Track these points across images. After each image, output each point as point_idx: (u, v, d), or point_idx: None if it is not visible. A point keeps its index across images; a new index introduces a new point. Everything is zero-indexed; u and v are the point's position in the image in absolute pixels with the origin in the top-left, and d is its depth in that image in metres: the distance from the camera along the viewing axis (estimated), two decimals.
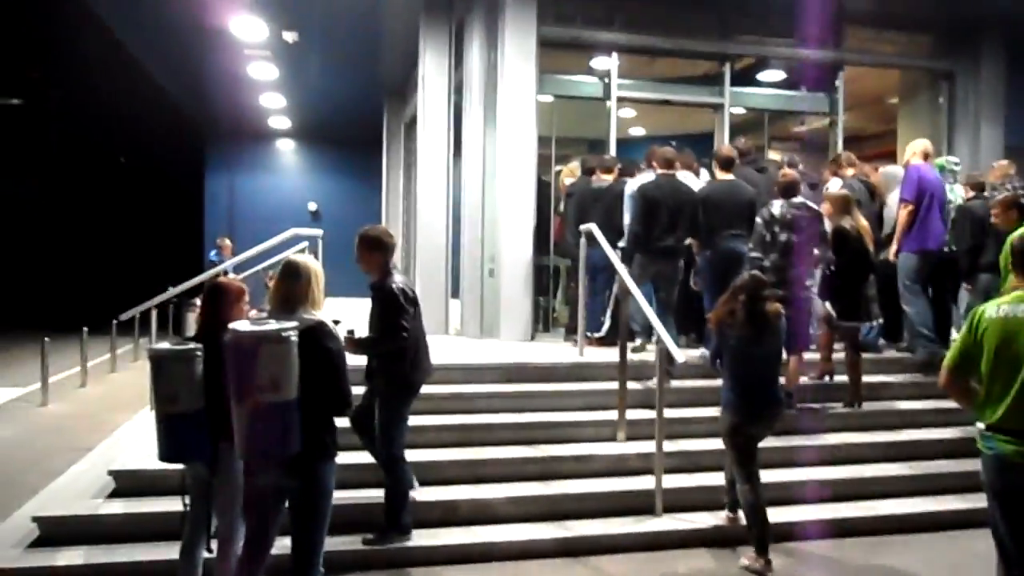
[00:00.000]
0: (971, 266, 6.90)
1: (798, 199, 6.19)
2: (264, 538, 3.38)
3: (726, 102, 9.07)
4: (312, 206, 18.43)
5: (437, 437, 5.61)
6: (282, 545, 3.43)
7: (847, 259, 6.29)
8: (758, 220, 6.18)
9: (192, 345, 3.56)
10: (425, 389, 5.88)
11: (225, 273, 8.24)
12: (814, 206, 6.29)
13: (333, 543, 3.55)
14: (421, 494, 4.98)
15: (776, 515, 5.16)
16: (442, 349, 6.76)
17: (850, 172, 7.54)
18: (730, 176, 6.96)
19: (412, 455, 5.29)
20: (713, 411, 5.97)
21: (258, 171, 18.55)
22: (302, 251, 8.19)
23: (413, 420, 5.61)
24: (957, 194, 7.46)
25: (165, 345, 3.61)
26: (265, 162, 18.68)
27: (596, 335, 7.39)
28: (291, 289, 3.42)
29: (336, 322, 3.48)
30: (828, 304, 6.40)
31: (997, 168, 7.30)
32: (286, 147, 18.89)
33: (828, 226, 6.31)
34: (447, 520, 4.93)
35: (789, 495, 5.43)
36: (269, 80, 12.67)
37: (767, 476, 5.44)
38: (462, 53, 8.78)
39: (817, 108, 9.74)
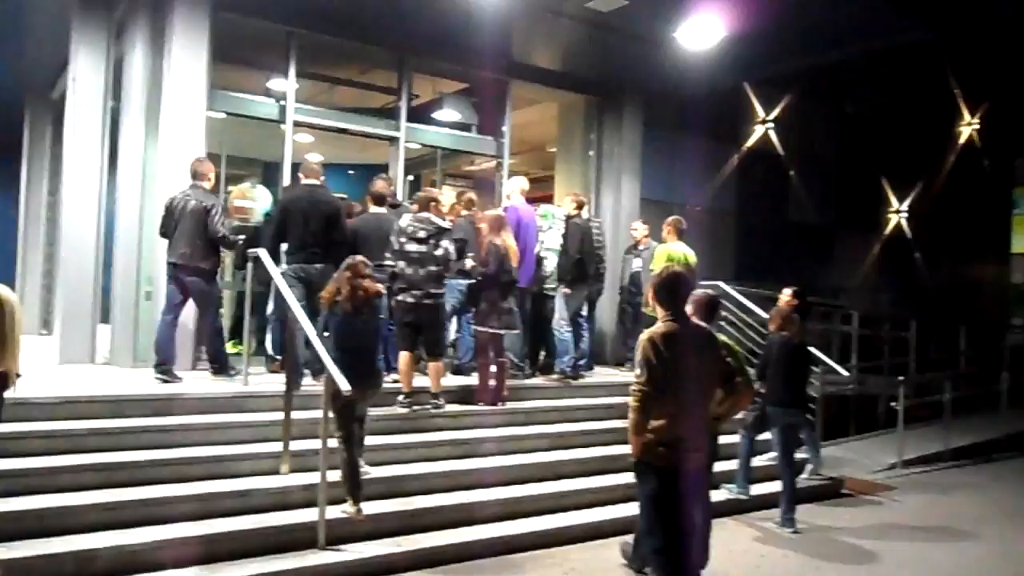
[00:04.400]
0: (577, 275, 7.98)
1: (424, 214, 6.73)
2: None
3: (402, 136, 9.32)
4: None
5: (74, 479, 4.99)
6: None
7: (494, 271, 6.97)
8: (394, 229, 6.72)
9: None
10: (61, 426, 5.31)
11: None
12: (438, 220, 6.80)
13: None
14: (52, 545, 4.40)
15: (443, 537, 5.37)
16: (86, 380, 6.08)
17: (464, 212, 8.17)
18: (382, 210, 7.37)
19: (44, 500, 4.70)
20: (380, 439, 6.07)
21: None
22: None
23: (45, 462, 5.01)
24: (551, 239, 8.42)
25: None
26: None
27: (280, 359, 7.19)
28: None
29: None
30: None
31: (575, 200, 8.47)
32: None
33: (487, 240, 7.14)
34: (83, 572, 4.40)
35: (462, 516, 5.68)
36: None
37: (435, 499, 5.68)
38: (123, 56, 8.06)
39: (486, 150, 10.39)
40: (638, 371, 3.93)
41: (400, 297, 6.58)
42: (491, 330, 7.08)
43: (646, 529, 4.15)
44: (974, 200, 17.97)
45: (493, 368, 7.16)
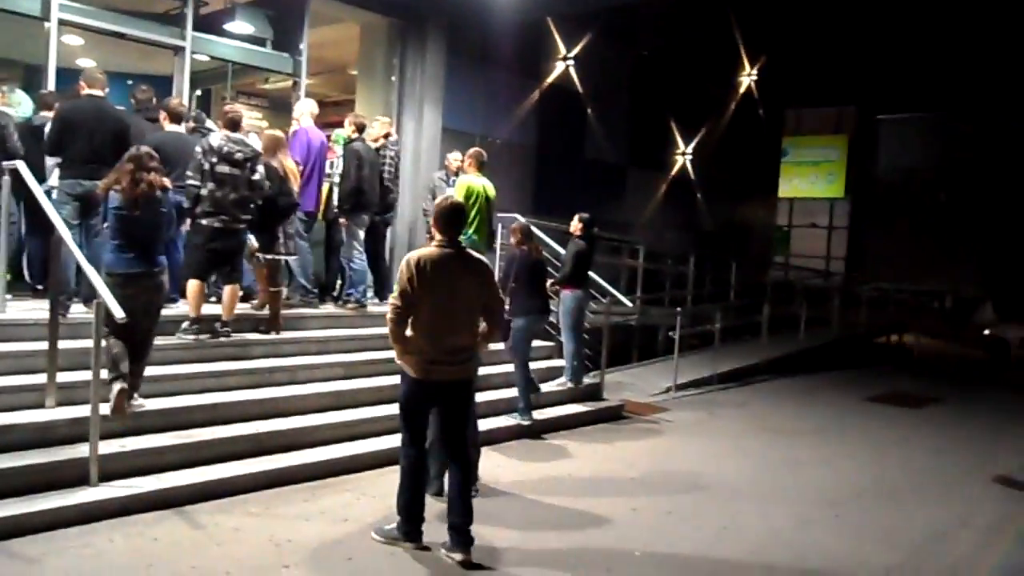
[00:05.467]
0: (355, 203, 7.78)
1: (238, 135, 6.41)
2: None
3: (187, 46, 8.63)
4: None
5: None
6: None
7: (272, 195, 6.69)
8: (198, 149, 6.26)
9: None
10: None
11: None
12: (252, 143, 6.54)
13: None
14: None
15: (231, 469, 5.20)
16: None
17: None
18: (179, 128, 6.90)
19: None
20: (162, 369, 5.73)
21: None
22: None
23: None
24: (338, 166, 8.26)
25: None
26: None
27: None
28: None
29: None
30: (252, 237, 6.81)
31: (381, 124, 8.37)
32: None
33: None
34: None
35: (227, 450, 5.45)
36: None
37: (224, 431, 5.44)
38: None
39: (282, 68, 9.84)
40: (397, 287, 4.34)
41: (204, 221, 6.15)
42: (276, 256, 6.90)
43: (401, 425, 4.59)
44: (750, 146, 19.54)
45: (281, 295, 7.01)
